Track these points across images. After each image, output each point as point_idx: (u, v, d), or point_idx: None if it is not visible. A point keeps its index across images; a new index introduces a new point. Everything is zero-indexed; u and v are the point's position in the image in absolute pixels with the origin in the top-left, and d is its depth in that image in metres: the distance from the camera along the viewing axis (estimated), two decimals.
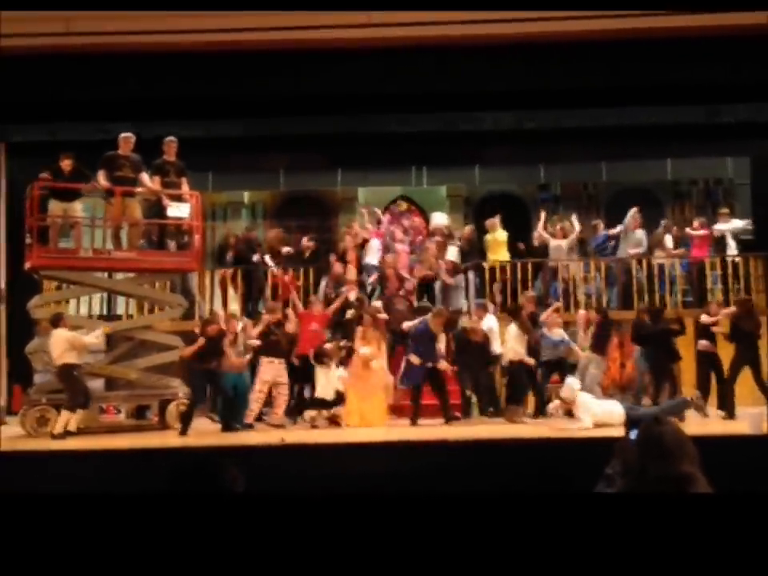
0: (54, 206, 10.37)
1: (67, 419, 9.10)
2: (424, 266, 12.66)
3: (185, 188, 11.01)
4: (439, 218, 14.09)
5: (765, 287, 12.67)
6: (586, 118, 11.57)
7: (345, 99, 10.66)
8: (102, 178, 10.52)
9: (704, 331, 10.56)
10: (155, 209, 11.05)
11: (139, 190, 10.71)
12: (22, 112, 10.55)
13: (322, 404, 10.01)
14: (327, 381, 10.04)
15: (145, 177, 10.74)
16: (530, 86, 10.38)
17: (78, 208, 10.58)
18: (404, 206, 15.15)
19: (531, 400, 10.66)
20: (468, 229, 13.80)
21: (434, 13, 9.30)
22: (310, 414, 10.00)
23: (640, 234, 13.15)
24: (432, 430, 9.48)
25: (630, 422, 3.31)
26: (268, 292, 12.70)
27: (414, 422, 9.90)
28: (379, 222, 14.17)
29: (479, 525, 2.53)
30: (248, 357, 10.12)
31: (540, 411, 10.25)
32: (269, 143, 12.76)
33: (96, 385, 10.45)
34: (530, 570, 2.43)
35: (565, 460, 6.93)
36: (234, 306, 12.78)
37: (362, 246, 13.09)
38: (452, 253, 12.92)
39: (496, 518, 2.56)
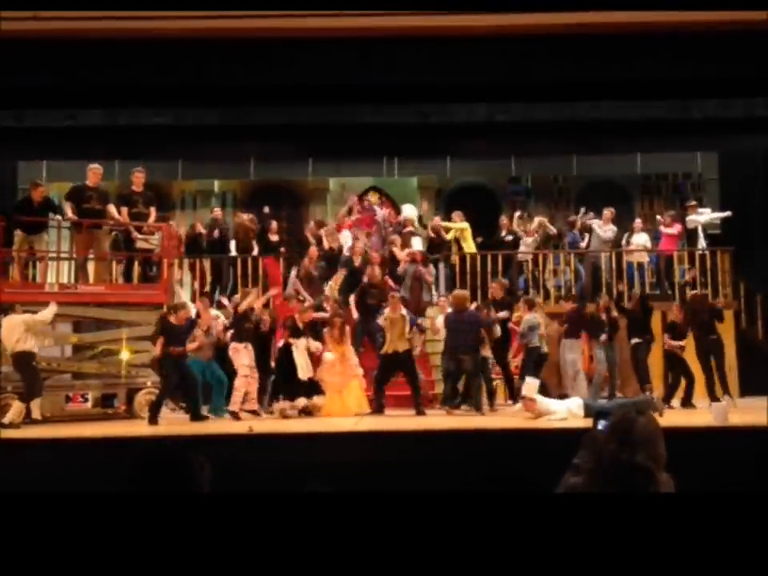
0: (20, 239, 10.28)
1: (21, 409, 9.00)
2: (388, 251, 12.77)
3: (153, 219, 10.99)
4: (409, 210, 14.12)
5: (731, 281, 12.84)
6: (557, 111, 11.62)
7: (317, 89, 10.61)
8: (69, 211, 10.45)
9: (671, 329, 10.72)
10: (123, 240, 11.04)
11: (107, 222, 10.67)
12: None
13: (302, 388, 10.00)
14: (304, 359, 10.06)
15: (112, 208, 10.70)
16: (502, 79, 10.40)
17: (44, 240, 10.50)
18: (375, 196, 15.13)
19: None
20: (436, 219, 13.90)
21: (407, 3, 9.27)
22: (280, 405, 9.96)
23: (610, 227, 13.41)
24: (407, 420, 9.51)
25: (595, 414, 3.33)
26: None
27: (378, 412, 9.97)
28: (350, 212, 14.20)
29: (451, 521, 2.53)
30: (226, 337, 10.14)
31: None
32: (239, 132, 12.67)
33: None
34: (501, 565, 2.43)
35: (535, 450, 6.98)
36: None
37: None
38: (417, 243, 13.00)
39: (466, 514, 2.55)
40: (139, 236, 10.94)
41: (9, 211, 10.37)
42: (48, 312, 9.48)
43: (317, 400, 10.01)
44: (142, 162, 11.78)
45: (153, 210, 11.11)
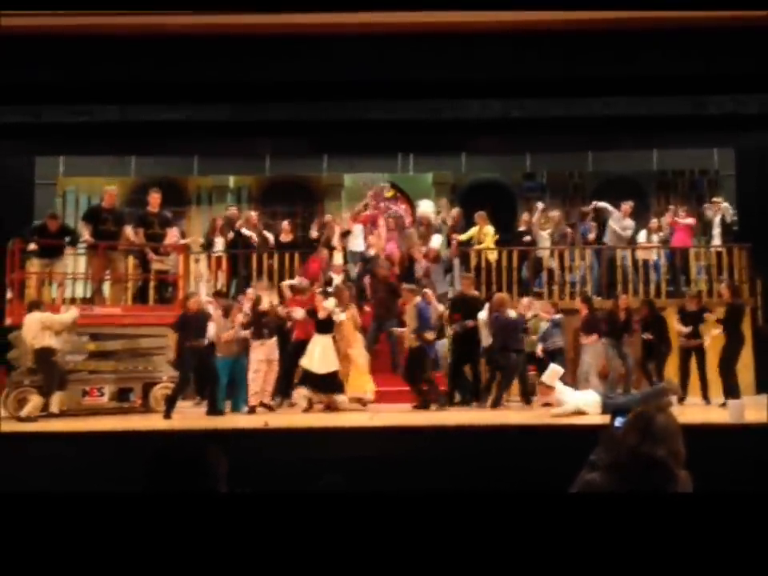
0: (36, 264, 10.37)
1: (40, 403, 9.07)
2: (407, 251, 12.72)
3: (169, 240, 11.03)
4: (425, 206, 14.09)
5: (748, 278, 12.77)
6: (572, 107, 11.57)
7: (331, 85, 10.61)
8: (85, 233, 10.52)
9: (686, 323, 10.71)
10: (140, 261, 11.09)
11: (123, 243, 10.72)
12: (4, 93, 10.44)
13: (311, 380, 9.96)
14: (325, 352, 10.01)
15: (128, 230, 10.75)
16: (517, 74, 10.37)
17: (62, 265, 10.59)
18: (391, 192, 15.11)
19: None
20: (455, 211, 13.87)
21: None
22: (303, 393, 9.96)
23: (629, 222, 13.35)
24: (421, 415, 9.52)
25: (613, 411, 3.33)
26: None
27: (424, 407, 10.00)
28: (366, 206, 14.21)
29: (464, 519, 2.52)
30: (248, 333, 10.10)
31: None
32: (255, 128, 12.68)
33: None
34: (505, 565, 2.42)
35: (551, 447, 6.98)
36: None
37: (346, 234, 13.17)
38: (436, 240, 12.97)
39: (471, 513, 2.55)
40: (155, 257, 11.00)
41: (27, 233, 10.48)
42: (68, 315, 9.54)
43: (338, 397, 9.99)
44: (158, 158, 11.80)
45: (169, 231, 11.16)
